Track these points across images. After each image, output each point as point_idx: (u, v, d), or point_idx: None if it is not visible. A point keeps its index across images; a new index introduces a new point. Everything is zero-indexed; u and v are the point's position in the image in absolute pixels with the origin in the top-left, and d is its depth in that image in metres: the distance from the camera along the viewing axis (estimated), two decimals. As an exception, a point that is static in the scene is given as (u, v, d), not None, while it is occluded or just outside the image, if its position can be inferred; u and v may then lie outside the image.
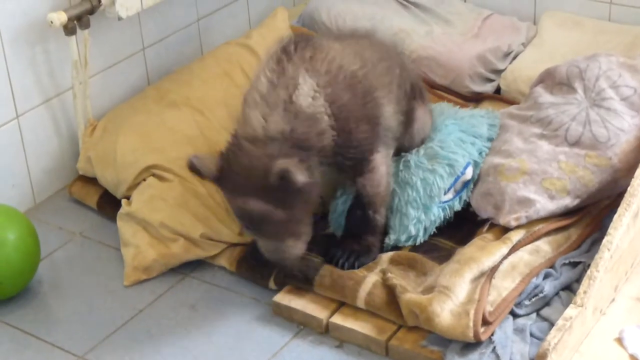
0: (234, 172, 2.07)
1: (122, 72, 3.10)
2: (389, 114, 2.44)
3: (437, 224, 2.58)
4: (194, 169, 2.10)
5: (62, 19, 2.72)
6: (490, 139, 2.70)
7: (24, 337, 2.46)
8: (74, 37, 2.81)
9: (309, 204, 2.25)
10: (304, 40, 2.32)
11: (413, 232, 2.53)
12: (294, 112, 2.13)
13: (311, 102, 2.17)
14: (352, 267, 2.43)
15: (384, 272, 2.42)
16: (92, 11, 2.81)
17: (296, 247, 2.26)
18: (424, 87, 2.82)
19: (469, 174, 2.60)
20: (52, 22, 2.73)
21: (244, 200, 2.07)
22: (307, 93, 2.17)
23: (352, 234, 2.52)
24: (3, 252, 2.47)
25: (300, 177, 2.03)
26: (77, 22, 2.78)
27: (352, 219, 2.54)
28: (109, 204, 2.87)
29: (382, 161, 2.42)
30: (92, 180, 2.95)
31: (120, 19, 2.87)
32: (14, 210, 2.62)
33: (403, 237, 2.54)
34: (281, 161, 2.02)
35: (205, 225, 2.63)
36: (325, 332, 2.39)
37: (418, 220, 2.53)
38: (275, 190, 2.04)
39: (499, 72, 3.21)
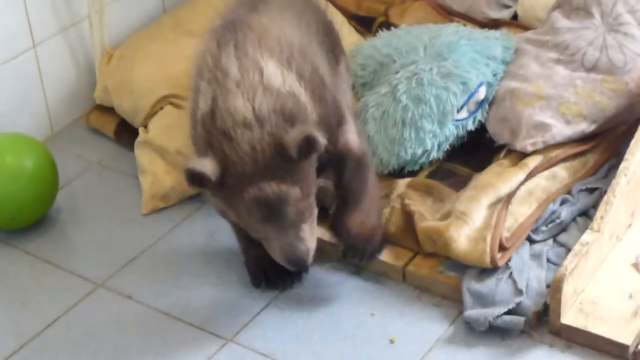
0: (236, 164, 1.83)
1: (138, 0, 3.06)
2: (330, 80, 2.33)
3: (450, 142, 2.58)
4: (201, 180, 1.81)
5: (75, -52, 2.70)
6: (504, 62, 2.68)
7: (42, 265, 2.47)
8: (88, -35, 2.77)
9: (314, 175, 2.05)
10: (240, 25, 2.12)
11: (429, 145, 2.54)
12: (274, 92, 1.95)
13: (283, 81, 2.00)
14: (371, 259, 2.32)
15: (402, 197, 2.42)
16: (106, -62, 2.77)
17: (312, 233, 2.04)
18: (343, 48, 2.71)
19: (482, 93, 2.60)
20: (65, -49, 2.70)
21: (255, 188, 1.83)
22: (275, 73, 2.00)
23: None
24: (21, 181, 2.48)
25: (322, 139, 1.85)
26: (92, -50, 2.75)
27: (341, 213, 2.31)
28: (126, 133, 2.86)
29: (353, 129, 2.28)
30: (109, 109, 2.93)
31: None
32: (32, 139, 2.62)
33: (419, 151, 2.53)
34: (301, 128, 1.85)
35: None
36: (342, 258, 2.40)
37: (434, 134, 2.54)
38: (287, 165, 1.86)
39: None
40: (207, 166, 1.80)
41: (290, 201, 1.87)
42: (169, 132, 2.66)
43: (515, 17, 3.12)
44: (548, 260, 2.30)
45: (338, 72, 2.51)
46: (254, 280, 2.33)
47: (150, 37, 2.94)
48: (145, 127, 2.75)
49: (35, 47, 2.79)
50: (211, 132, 1.89)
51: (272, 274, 2.29)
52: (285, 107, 1.91)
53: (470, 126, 2.58)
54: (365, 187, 2.27)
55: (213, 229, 2.55)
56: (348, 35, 3.08)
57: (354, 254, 2.28)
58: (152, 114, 2.76)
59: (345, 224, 2.24)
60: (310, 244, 1.99)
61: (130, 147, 2.78)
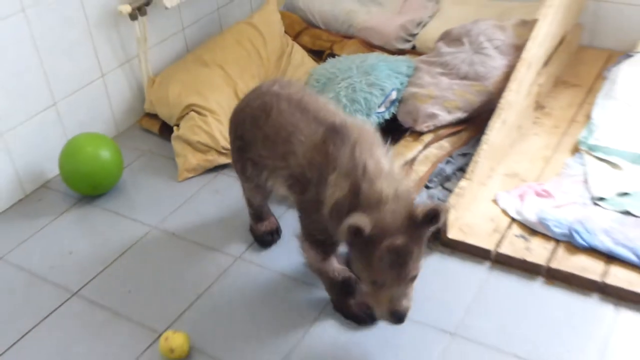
0: (383, 221, 1.59)
1: (169, 44, 3.07)
2: None
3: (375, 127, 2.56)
4: (358, 232, 1.57)
5: (127, 9, 2.71)
6: (408, 75, 2.69)
7: (115, 216, 2.50)
8: (136, 21, 2.78)
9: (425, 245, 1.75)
10: (343, 127, 1.79)
11: None
12: (395, 175, 1.70)
13: (390, 163, 1.75)
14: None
15: None
16: (148, 3, 2.78)
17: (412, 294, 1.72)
18: None
19: (394, 95, 2.61)
20: (121, 12, 2.72)
21: (395, 238, 1.58)
22: (384, 159, 1.74)
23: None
24: (101, 163, 2.52)
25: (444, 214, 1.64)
26: (138, 11, 2.76)
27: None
28: (166, 130, 2.88)
29: None
30: (154, 116, 2.95)
31: (166, 8, 2.85)
32: (105, 136, 2.65)
33: None
34: (425, 204, 1.63)
35: (226, 141, 2.63)
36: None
37: None
38: (414, 230, 1.62)
39: (414, 35, 3.19)
40: (364, 221, 1.56)
41: (413, 254, 1.62)
42: (192, 129, 2.68)
43: (414, 47, 3.17)
44: (439, 199, 2.31)
45: None
46: (359, 319, 1.98)
47: (178, 68, 2.95)
48: (178, 126, 2.77)
49: (104, 77, 2.81)
50: (356, 205, 1.64)
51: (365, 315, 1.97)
52: (409, 189, 1.70)
53: (387, 116, 2.60)
54: None
55: (219, 188, 2.59)
56: (308, 62, 3.12)
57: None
58: (181, 117, 2.77)
59: None
60: (411, 303, 1.69)
61: (168, 139, 2.81)
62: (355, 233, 1.57)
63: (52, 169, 2.68)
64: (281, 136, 1.88)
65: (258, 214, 2.28)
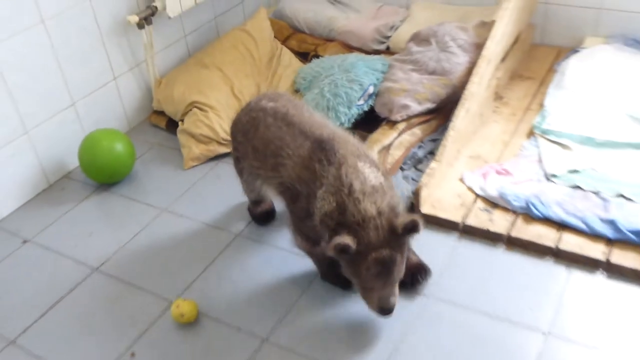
0: (365, 239, 1.59)
1: (173, 50, 3.06)
2: None
3: (355, 117, 2.59)
4: (345, 249, 1.58)
5: (135, 19, 2.70)
6: (383, 72, 2.70)
7: (130, 201, 2.50)
8: (143, 30, 2.77)
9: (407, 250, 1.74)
10: (331, 142, 1.74)
11: (343, 120, 2.56)
12: (379, 191, 1.67)
13: (375, 177, 1.70)
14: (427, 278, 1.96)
15: None
16: (153, 14, 2.77)
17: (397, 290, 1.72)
18: None
19: (371, 89, 2.62)
20: (129, 21, 2.70)
21: (379, 252, 1.59)
22: (370, 173, 1.69)
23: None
24: (116, 155, 2.52)
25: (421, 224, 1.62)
26: (145, 21, 2.74)
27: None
28: (172, 125, 2.87)
29: None
30: (161, 112, 2.94)
31: (169, 18, 2.83)
32: (119, 132, 2.64)
33: (338, 123, 2.54)
34: (405, 216, 1.63)
35: (226, 134, 2.65)
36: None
37: (345, 114, 2.56)
38: (396, 239, 1.61)
39: (388, 37, 3.20)
40: (349, 240, 1.56)
41: (397, 262, 1.62)
42: (195, 123, 2.67)
43: (388, 48, 3.17)
44: (412, 179, 2.33)
45: None
46: (344, 286, 1.97)
47: (181, 71, 2.94)
48: (182, 121, 2.76)
49: (116, 79, 2.80)
50: (342, 222, 1.62)
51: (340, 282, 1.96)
52: (390, 201, 1.66)
53: (366, 108, 2.60)
54: None
55: (220, 175, 2.58)
56: (295, 63, 3.12)
57: (414, 283, 1.94)
58: (185, 113, 2.76)
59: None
60: (396, 299, 1.70)
61: (174, 133, 2.80)
62: (342, 251, 1.57)
63: (73, 161, 2.67)
64: (270, 149, 1.84)
65: (255, 199, 2.26)
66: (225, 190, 2.48)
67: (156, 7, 2.76)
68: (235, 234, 2.26)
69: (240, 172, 2.14)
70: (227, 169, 2.60)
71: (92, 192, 2.56)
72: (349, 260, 1.64)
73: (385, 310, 1.69)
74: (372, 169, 1.71)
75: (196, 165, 2.65)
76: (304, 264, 2.08)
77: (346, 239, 1.57)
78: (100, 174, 2.53)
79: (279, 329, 1.89)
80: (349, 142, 1.77)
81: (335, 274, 1.95)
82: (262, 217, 2.28)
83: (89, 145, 2.52)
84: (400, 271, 1.65)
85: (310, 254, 1.96)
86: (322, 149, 1.71)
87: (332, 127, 1.86)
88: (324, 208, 1.66)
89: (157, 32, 2.89)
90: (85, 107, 2.69)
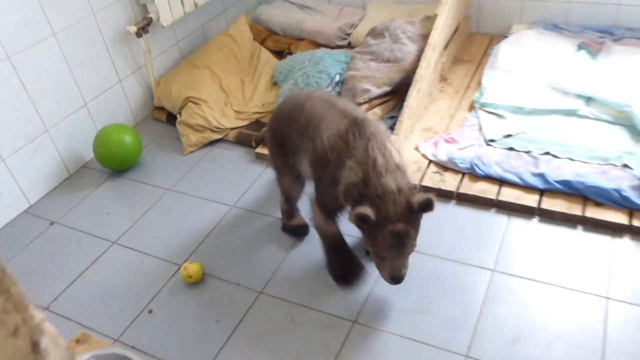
0: (384, 212, 1.47)
1: (168, 54, 2.95)
2: None
3: None
4: (366, 218, 1.46)
5: (134, 29, 2.59)
6: (346, 63, 2.64)
7: (139, 184, 2.42)
8: (141, 38, 2.66)
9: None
10: (364, 120, 1.60)
11: None
12: (402, 169, 1.54)
13: (399, 156, 1.58)
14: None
15: None
16: (149, 24, 2.65)
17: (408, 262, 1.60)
18: None
19: (337, 78, 2.56)
20: (129, 31, 2.59)
21: (395, 225, 1.46)
22: (395, 153, 1.57)
23: None
24: (125, 145, 2.43)
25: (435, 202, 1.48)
26: (142, 30, 2.63)
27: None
28: (171, 118, 2.77)
29: None
30: (161, 108, 2.84)
31: (163, 27, 2.73)
32: (127, 126, 2.54)
33: None
34: (422, 195, 1.48)
35: (218, 122, 2.58)
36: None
37: None
38: (412, 216, 1.49)
39: (349, 34, 3.13)
40: (369, 212, 1.45)
41: (410, 236, 1.49)
42: (191, 115, 2.59)
43: (349, 43, 3.09)
44: None
45: None
46: (343, 280, 1.82)
47: (176, 72, 2.84)
48: (180, 114, 2.67)
49: (121, 82, 2.69)
50: (365, 193, 1.49)
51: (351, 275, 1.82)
52: (409, 182, 1.53)
53: (334, 94, 2.53)
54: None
55: (215, 157, 2.50)
56: (272, 60, 3.03)
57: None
58: (182, 107, 2.67)
59: None
60: (407, 270, 1.58)
61: (174, 125, 2.71)
62: (363, 220, 1.46)
63: (88, 153, 2.58)
64: (312, 123, 1.68)
65: (290, 212, 2.01)
66: (220, 170, 2.42)
67: (151, 18, 2.64)
68: (230, 206, 2.20)
69: (283, 161, 1.85)
70: (221, 152, 2.53)
71: (106, 178, 2.48)
72: (368, 230, 1.51)
73: (396, 279, 1.57)
74: (396, 151, 1.58)
75: (194, 151, 2.57)
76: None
77: (367, 210, 1.46)
78: (113, 162, 2.44)
79: (272, 283, 1.85)
80: (378, 125, 1.65)
81: (339, 264, 1.81)
82: (298, 230, 2.02)
83: (101, 138, 2.43)
84: (413, 245, 1.53)
85: (320, 229, 1.77)
86: (357, 124, 1.59)
87: (366, 114, 1.71)
88: (350, 177, 1.53)
89: (153, 40, 2.78)
90: (96, 106, 2.59)
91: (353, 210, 1.49)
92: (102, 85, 2.60)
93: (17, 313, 0.56)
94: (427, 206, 1.47)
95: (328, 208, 1.69)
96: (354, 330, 1.66)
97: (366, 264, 1.82)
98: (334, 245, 1.78)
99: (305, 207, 1.95)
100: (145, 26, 2.64)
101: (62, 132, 2.45)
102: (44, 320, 0.60)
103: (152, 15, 2.65)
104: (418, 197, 1.48)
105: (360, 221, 1.47)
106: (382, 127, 1.65)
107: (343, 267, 1.79)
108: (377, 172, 1.50)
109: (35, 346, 0.57)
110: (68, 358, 0.63)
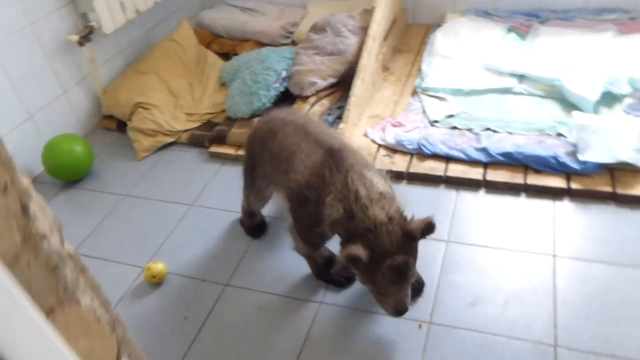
0: (378, 246, 1.34)
1: (113, 62, 2.88)
2: None
3: (274, 98, 2.52)
4: (357, 260, 1.35)
5: (75, 38, 2.51)
6: (291, 59, 2.64)
7: (94, 193, 2.36)
8: (84, 47, 2.58)
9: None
10: (342, 151, 1.48)
11: (265, 101, 2.49)
12: (388, 197, 1.41)
13: (384, 183, 1.46)
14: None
15: None
16: (91, 32, 2.58)
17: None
18: None
19: (284, 74, 2.56)
20: (71, 41, 2.52)
21: (394, 259, 1.34)
22: (377, 180, 1.44)
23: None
24: (75, 155, 2.37)
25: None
26: (84, 39, 2.56)
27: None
28: (122, 126, 2.70)
29: None
30: (110, 117, 2.76)
31: (106, 34, 2.67)
32: (76, 135, 2.47)
33: (260, 104, 2.47)
34: (420, 220, 1.38)
35: (169, 126, 2.55)
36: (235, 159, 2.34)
37: (265, 96, 2.49)
38: (410, 244, 1.38)
39: (292, 32, 3.14)
40: (361, 252, 1.33)
41: (411, 267, 1.38)
42: (142, 120, 2.54)
43: (293, 41, 3.10)
44: None
45: None
46: (338, 284, 1.73)
47: (123, 79, 2.78)
48: (130, 120, 2.61)
49: (65, 93, 2.60)
50: (352, 229, 1.37)
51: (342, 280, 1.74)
52: (398, 206, 1.41)
53: (281, 89, 2.54)
54: None
55: (169, 160, 2.46)
56: (219, 62, 3.00)
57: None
58: (132, 114, 2.61)
59: None
60: (409, 300, 1.46)
61: (124, 132, 2.64)
62: (354, 261, 1.35)
63: (37, 167, 2.49)
64: (285, 154, 1.57)
65: (249, 214, 1.96)
66: (175, 172, 2.38)
67: (93, 26, 2.58)
68: (189, 205, 2.18)
69: (252, 182, 1.79)
70: (175, 155, 2.50)
71: (59, 190, 2.40)
72: (363, 269, 1.38)
73: (400, 312, 1.45)
74: (379, 178, 1.45)
75: (148, 156, 2.52)
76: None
77: (358, 251, 1.33)
78: (64, 173, 2.37)
79: (237, 275, 1.84)
80: (357, 153, 1.52)
81: (329, 273, 1.74)
82: (255, 229, 1.97)
83: (50, 150, 2.35)
84: (414, 274, 1.41)
85: (309, 257, 1.70)
86: (333, 156, 1.46)
87: (344, 140, 1.60)
88: (332, 215, 1.42)
89: (97, 48, 2.71)
90: (42, 118, 2.50)
91: (343, 249, 1.37)
92: (46, 96, 2.51)
93: (5, 171, 0.53)
94: (429, 231, 1.36)
95: (310, 241, 1.60)
96: (320, 311, 1.68)
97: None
98: (321, 264, 1.71)
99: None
100: (87, 35, 2.57)
101: (7, 147, 2.33)
102: (30, 187, 0.58)
103: (94, 23, 2.59)
104: (416, 223, 1.36)
105: (352, 264, 1.36)
106: (360, 154, 1.53)
107: (339, 275, 1.72)
108: (362, 205, 1.37)
109: (24, 209, 0.55)
110: (56, 227, 0.61)
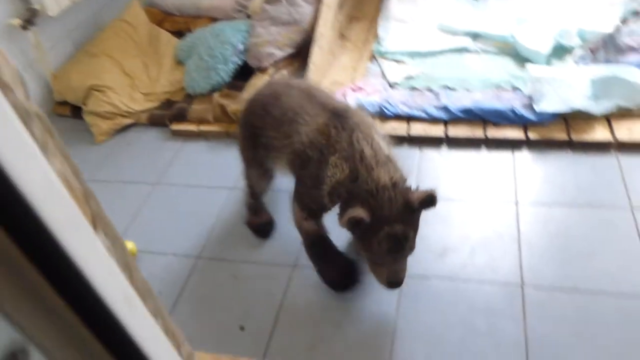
0: (382, 210, 1.29)
1: (61, 46, 2.76)
2: None
3: (232, 71, 2.48)
4: (359, 223, 1.30)
5: (18, 22, 2.41)
6: (247, 31, 2.60)
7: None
8: (28, 31, 2.47)
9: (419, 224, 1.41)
10: (348, 112, 1.45)
11: (223, 75, 2.46)
12: (392, 162, 1.38)
13: (387, 148, 1.42)
14: None
15: (218, 100, 2.34)
16: (35, 15, 2.47)
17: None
18: None
19: (240, 47, 2.53)
20: (13, 24, 2.40)
21: (393, 227, 1.29)
22: (382, 144, 1.40)
23: None
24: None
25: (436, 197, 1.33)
26: (28, 23, 2.45)
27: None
28: (76, 110, 2.61)
29: None
30: (64, 103, 2.66)
31: (51, 17, 2.55)
32: (27, 123, 2.37)
33: (219, 79, 2.45)
34: (422, 190, 1.33)
35: (127, 107, 2.49)
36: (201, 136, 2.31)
37: (223, 70, 2.46)
38: (410, 215, 1.32)
39: (246, 6, 3.02)
40: (363, 213, 1.28)
41: (409, 239, 1.33)
42: (98, 103, 2.47)
43: (248, 15, 3.03)
44: None
45: None
46: (341, 284, 1.63)
47: (73, 62, 2.68)
48: (85, 104, 2.53)
49: (14, 80, 2.51)
50: (355, 191, 1.32)
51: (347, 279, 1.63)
52: (402, 174, 1.37)
53: (239, 62, 2.51)
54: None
55: (130, 141, 2.41)
56: (173, 40, 2.91)
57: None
58: (86, 98, 2.53)
59: None
60: (405, 273, 1.42)
61: (80, 117, 2.55)
62: (356, 224, 1.30)
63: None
64: (288, 117, 1.50)
65: (255, 207, 1.85)
66: (136, 152, 2.34)
67: (36, 9, 2.47)
68: (153, 184, 2.14)
69: (253, 153, 1.69)
70: (135, 136, 2.45)
71: (17, 179, 2.31)
72: (361, 233, 1.34)
73: (393, 285, 1.41)
74: (384, 141, 1.42)
75: (108, 139, 2.46)
76: (213, 195, 2.01)
77: (361, 212, 1.28)
78: (21, 162, 2.28)
79: (208, 246, 1.84)
80: (362, 115, 1.48)
81: (325, 266, 1.63)
82: (262, 228, 1.84)
83: (3, 139, 2.26)
84: (411, 247, 1.36)
85: (302, 229, 1.60)
86: (338, 116, 1.42)
87: (348, 104, 1.58)
88: (336, 175, 1.36)
89: (42, 32, 2.59)
90: (-9, 108, 2.39)
91: (343, 214, 1.33)
92: (-6, 85, 2.41)
93: None
94: (429, 202, 1.31)
95: (311, 210, 1.52)
96: (294, 275, 1.69)
97: (358, 262, 1.66)
98: (319, 247, 1.60)
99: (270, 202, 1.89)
100: (30, 18, 2.46)
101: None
102: None
103: (37, 5, 2.48)
104: (418, 194, 1.32)
105: (354, 226, 1.31)
106: (367, 116, 1.49)
107: (334, 270, 1.61)
108: (367, 165, 1.33)
109: None
110: (19, 80, 0.56)
